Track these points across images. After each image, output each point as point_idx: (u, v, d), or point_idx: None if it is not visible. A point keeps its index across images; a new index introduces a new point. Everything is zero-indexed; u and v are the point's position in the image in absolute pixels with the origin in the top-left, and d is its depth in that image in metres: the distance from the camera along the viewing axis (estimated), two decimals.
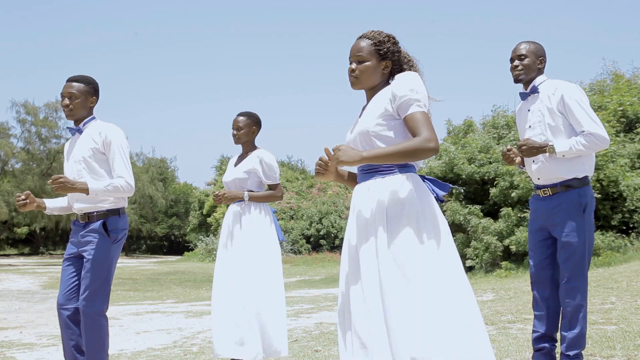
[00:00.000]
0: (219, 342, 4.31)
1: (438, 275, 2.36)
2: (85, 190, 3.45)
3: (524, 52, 3.61)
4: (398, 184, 2.47)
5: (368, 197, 2.51)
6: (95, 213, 3.59)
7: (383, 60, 2.60)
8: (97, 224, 3.57)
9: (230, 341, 4.27)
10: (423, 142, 2.38)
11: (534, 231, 3.66)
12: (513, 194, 12.34)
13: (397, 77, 2.56)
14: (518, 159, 3.72)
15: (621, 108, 13.34)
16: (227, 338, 4.28)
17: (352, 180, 2.73)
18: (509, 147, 3.70)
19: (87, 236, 3.58)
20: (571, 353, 3.46)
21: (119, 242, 3.63)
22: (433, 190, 2.56)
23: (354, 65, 2.61)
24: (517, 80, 3.64)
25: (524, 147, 3.49)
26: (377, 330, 2.37)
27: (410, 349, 2.29)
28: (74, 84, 3.62)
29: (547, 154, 3.50)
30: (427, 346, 2.29)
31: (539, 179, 3.62)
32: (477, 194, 13.89)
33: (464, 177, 13.60)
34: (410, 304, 2.33)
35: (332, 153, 2.50)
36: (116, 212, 3.62)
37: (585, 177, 3.54)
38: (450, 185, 2.63)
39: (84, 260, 3.57)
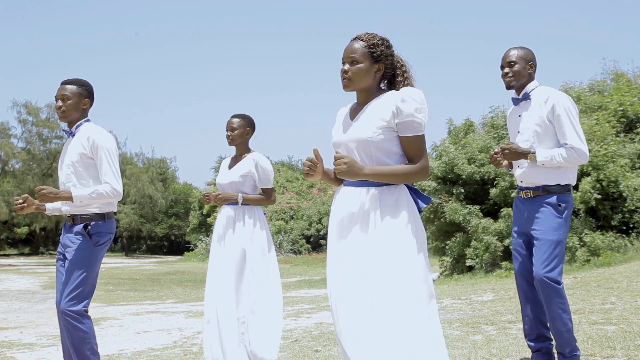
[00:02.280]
0: (209, 347, 4.31)
1: (416, 286, 2.46)
2: (69, 198, 3.49)
3: (513, 58, 3.65)
4: (389, 195, 2.54)
5: (359, 204, 2.55)
6: (79, 216, 3.61)
7: (376, 62, 2.61)
8: (79, 227, 3.59)
9: (219, 346, 4.25)
10: (422, 171, 2.56)
11: (517, 232, 3.74)
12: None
13: (405, 92, 2.56)
14: (505, 162, 3.77)
15: (621, 108, 13.33)
16: (217, 342, 4.26)
17: (338, 180, 2.75)
18: (496, 149, 3.75)
19: (70, 238, 3.61)
20: (565, 351, 3.49)
21: (101, 245, 3.63)
22: (416, 200, 2.63)
23: (346, 67, 2.61)
24: (508, 87, 3.70)
25: (507, 151, 3.56)
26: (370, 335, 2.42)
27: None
28: (67, 86, 3.65)
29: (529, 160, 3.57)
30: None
31: (521, 182, 3.69)
32: (477, 194, 13.89)
33: (464, 177, 13.60)
34: (389, 309, 2.41)
35: (321, 155, 2.57)
36: (101, 217, 3.63)
37: (568, 185, 3.61)
38: (431, 199, 2.77)
39: (67, 261, 3.59)
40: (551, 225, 3.52)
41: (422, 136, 2.55)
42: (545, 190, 3.57)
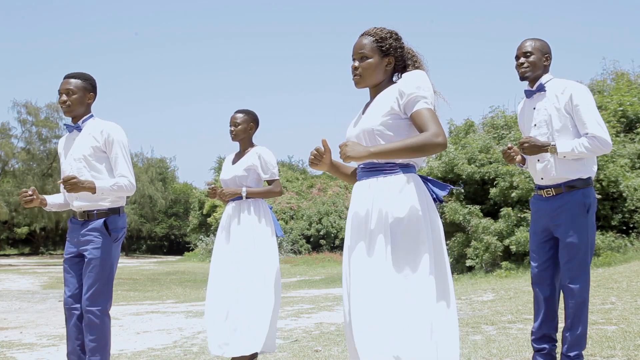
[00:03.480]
0: (213, 342, 4.34)
1: (427, 282, 2.40)
2: (92, 189, 3.45)
3: (529, 49, 3.58)
4: (400, 186, 2.47)
5: (368, 196, 2.50)
6: (95, 211, 3.58)
7: (386, 56, 2.58)
8: (98, 223, 3.56)
9: (222, 340, 4.29)
10: (431, 137, 2.38)
11: (536, 232, 3.63)
12: (513, 194, 12.34)
13: (404, 75, 2.56)
14: (519, 158, 3.68)
15: (621, 108, 13.33)
16: (220, 337, 4.30)
17: (346, 173, 2.72)
18: (509, 145, 3.67)
19: (87, 235, 3.57)
20: (572, 354, 3.47)
21: (118, 240, 3.63)
22: (433, 191, 2.57)
23: (356, 63, 2.59)
24: (523, 78, 3.61)
25: (526, 145, 3.47)
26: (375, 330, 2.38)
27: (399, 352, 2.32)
28: (72, 80, 3.62)
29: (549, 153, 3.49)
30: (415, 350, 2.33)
31: (542, 178, 3.59)
32: (477, 194, 13.89)
33: (464, 177, 13.60)
34: (401, 307, 2.36)
35: (329, 147, 2.52)
36: (116, 211, 3.62)
37: (589, 178, 3.52)
38: (450, 186, 2.63)
39: (86, 259, 3.56)
40: (577, 227, 3.44)
41: (430, 109, 2.44)
42: (568, 187, 3.48)
